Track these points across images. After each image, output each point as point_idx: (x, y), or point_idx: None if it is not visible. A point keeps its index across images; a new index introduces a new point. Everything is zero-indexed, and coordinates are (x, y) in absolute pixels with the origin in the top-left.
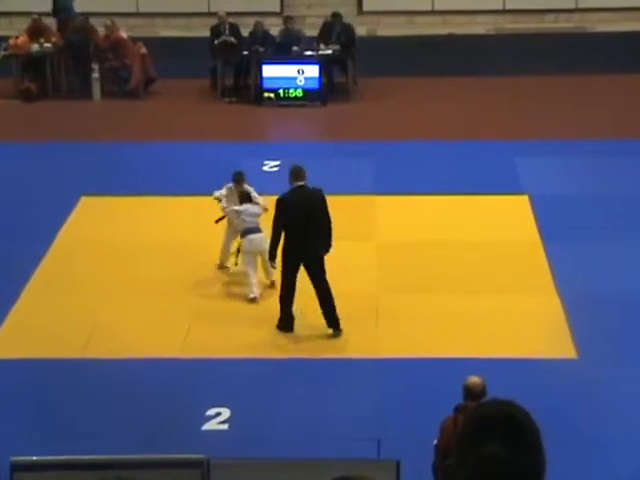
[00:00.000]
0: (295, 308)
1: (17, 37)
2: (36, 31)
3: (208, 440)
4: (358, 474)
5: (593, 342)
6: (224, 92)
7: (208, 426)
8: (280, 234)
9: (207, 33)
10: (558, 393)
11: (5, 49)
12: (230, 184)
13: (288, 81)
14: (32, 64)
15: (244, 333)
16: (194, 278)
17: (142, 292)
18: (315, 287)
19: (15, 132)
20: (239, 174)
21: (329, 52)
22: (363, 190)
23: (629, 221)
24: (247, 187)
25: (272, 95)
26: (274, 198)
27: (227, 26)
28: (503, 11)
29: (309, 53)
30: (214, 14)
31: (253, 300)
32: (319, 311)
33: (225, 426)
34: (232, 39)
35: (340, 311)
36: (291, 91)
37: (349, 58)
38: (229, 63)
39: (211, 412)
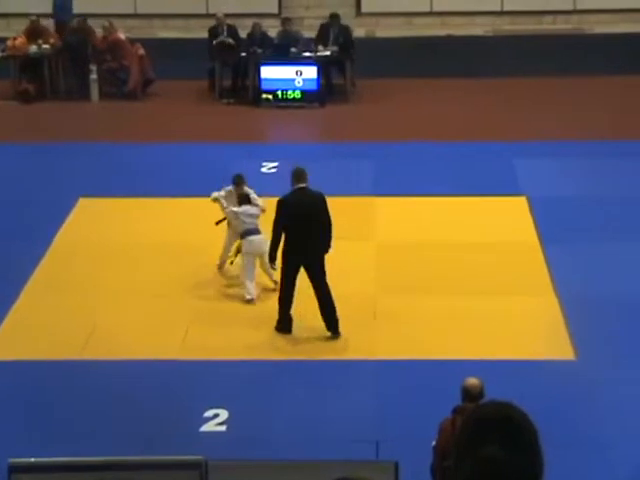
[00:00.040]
0: (294, 310)
1: (15, 38)
2: (34, 32)
3: (206, 441)
4: (357, 476)
5: (591, 343)
6: (222, 93)
7: (206, 428)
8: (280, 235)
9: (205, 34)
10: (556, 394)
11: (3, 50)
12: (230, 187)
13: (286, 82)
14: (30, 65)
15: (242, 334)
16: (192, 279)
17: (140, 293)
18: (315, 289)
19: (13, 133)
20: (239, 177)
21: (327, 53)
22: (362, 191)
23: (627, 223)
24: (247, 189)
25: (270, 96)
26: (272, 199)
27: (225, 27)
28: (501, 12)
29: (307, 54)
30: (212, 15)
31: (250, 302)
32: (318, 313)
33: (223, 427)
34: (230, 40)
35: (339, 312)
36: (289, 92)
37: (347, 59)
38: (227, 64)
39: (209, 414)
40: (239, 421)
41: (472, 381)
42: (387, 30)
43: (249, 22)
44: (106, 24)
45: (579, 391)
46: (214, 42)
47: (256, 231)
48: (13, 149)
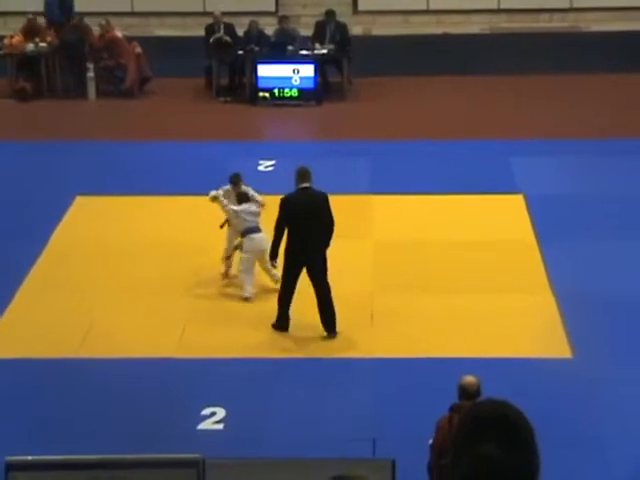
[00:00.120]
0: (292, 308)
1: (12, 37)
2: (31, 31)
3: (203, 440)
4: (353, 473)
5: (588, 342)
6: (219, 91)
7: (203, 426)
8: (282, 233)
9: (202, 32)
10: (553, 393)
11: (0, 49)
12: (227, 186)
13: (283, 81)
14: (27, 64)
15: (239, 333)
16: (189, 277)
17: (137, 292)
18: (315, 288)
19: (10, 132)
20: (236, 176)
21: (324, 51)
22: (359, 190)
23: (624, 221)
24: (245, 188)
25: (267, 95)
26: (269, 197)
27: (222, 25)
28: (498, 10)
29: (304, 53)
30: (209, 13)
31: (247, 299)
32: (316, 311)
33: (220, 426)
34: (227, 38)
35: (336, 311)
36: (286, 91)
37: (344, 58)
38: (224, 62)
39: (206, 412)
40: (236, 419)
41: (469, 379)
42: (384, 28)
43: (246, 20)
44: (103, 22)
45: (576, 390)
46: (211, 40)
47: (257, 229)
48: (10, 147)
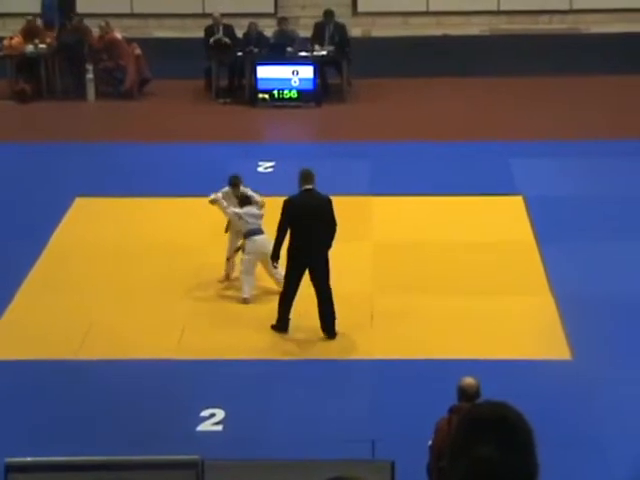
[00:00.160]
0: (293, 310)
1: (11, 38)
2: (30, 32)
3: (202, 441)
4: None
5: (587, 343)
6: (218, 93)
7: (202, 427)
8: (284, 234)
9: (201, 34)
10: (552, 394)
11: None
12: (226, 188)
13: (282, 82)
14: (26, 65)
15: (239, 334)
16: (189, 279)
17: (136, 293)
18: (316, 290)
19: (9, 133)
20: (236, 177)
21: (324, 53)
22: (358, 191)
23: (624, 222)
24: (244, 189)
25: (266, 96)
26: (268, 199)
27: (221, 27)
28: (497, 12)
29: (303, 54)
30: (208, 15)
31: (245, 300)
32: (316, 313)
33: (219, 427)
34: (226, 39)
35: (336, 312)
36: (285, 92)
37: (344, 59)
38: (223, 64)
39: (205, 413)
40: (235, 421)
41: (468, 381)
42: (383, 30)
43: (245, 22)
44: (102, 24)
45: (575, 391)
46: (210, 41)
47: (259, 231)
48: (9, 149)
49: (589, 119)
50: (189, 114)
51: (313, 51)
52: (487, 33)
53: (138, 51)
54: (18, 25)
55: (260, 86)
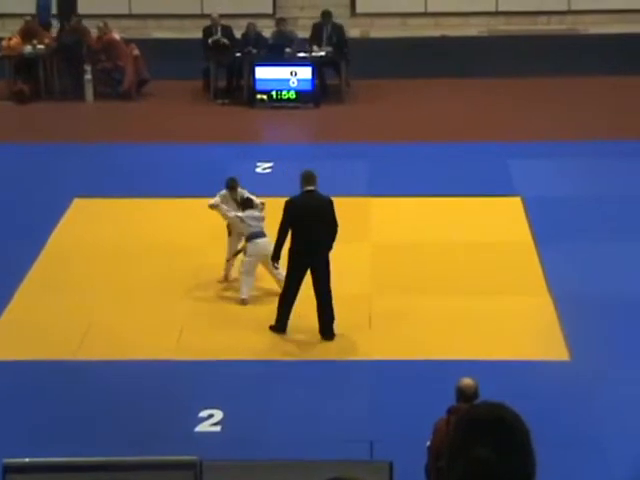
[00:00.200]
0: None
1: (10, 39)
2: (29, 33)
3: (201, 442)
4: (350, 476)
5: (586, 344)
6: (217, 94)
7: (201, 428)
8: (285, 235)
9: (200, 35)
10: (551, 395)
11: None
12: (224, 191)
13: (281, 83)
14: (25, 66)
15: (238, 335)
16: (187, 280)
17: (135, 294)
18: (316, 291)
19: (8, 134)
20: (233, 180)
21: (322, 54)
22: (357, 192)
23: (622, 223)
24: (241, 191)
25: (265, 97)
26: (267, 200)
27: (219, 28)
28: (496, 13)
29: (302, 55)
30: (207, 16)
31: (244, 301)
32: (310, 313)
33: (218, 428)
34: (224, 40)
35: (335, 313)
36: (284, 93)
37: (342, 60)
38: (222, 65)
39: (204, 414)
40: (234, 421)
41: (466, 381)
42: (382, 30)
43: (243, 22)
44: (101, 24)
45: (574, 391)
46: (209, 42)
47: (262, 234)
48: (8, 149)
49: (587, 120)
50: (187, 115)
51: (311, 52)
52: (485, 34)
53: (136, 52)
54: (17, 26)
55: (258, 87)
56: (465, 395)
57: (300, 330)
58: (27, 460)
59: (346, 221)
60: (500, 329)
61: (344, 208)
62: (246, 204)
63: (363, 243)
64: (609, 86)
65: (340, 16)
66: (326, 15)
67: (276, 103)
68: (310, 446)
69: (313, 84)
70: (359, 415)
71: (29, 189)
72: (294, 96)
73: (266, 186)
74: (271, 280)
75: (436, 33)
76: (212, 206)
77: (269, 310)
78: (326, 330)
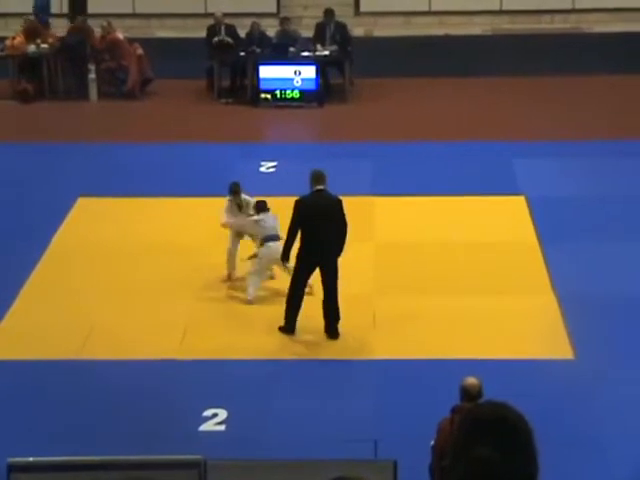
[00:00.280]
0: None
1: (13, 38)
2: (32, 32)
3: (205, 441)
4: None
5: (590, 343)
6: (220, 93)
7: (205, 427)
8: (295, 235)
9: (203, 34)
10: (555, 394)
11: (1, 50)
12: (227, 197)
13: (285, 82)
14: (29, 65)
15: (241, 335)
16: (191, 279)
17: (139, 293)
18: (324, 290)
19: (12, 133)
20: (236, 185)
21: (326, 53)
22: (360, 191)
23: (626, 223)
24: (245, 197)
25: (269, 96)
26: (271, 199)
27: (223, 27)
28: (500, 12)
29: (306, 54)
30: (210, 15)
31: (249, 301)
32: (318, 314)
33: (222, 427)
34: (228, 39)
35: (340, 313)
36: (288, 92)
37: (346, 59)
38: (225, 64)
39: (208, 413)
40: (238, 420)
41: (471, 381)
42: (385, 29)
43: (247, 21)
44: (104, 24)
45: (577, 390)
46: (214, 41)
47: (276, 237)
48: (12, 149)
49: (592, 119)
50: (191, 114)
51: (315, 51)
52: (489, 33)
53: (140, 51)
54: (20, 25)
55: (262, 86)
56: (469, 394)
57: (305, 330)
58: (31, 459)
59: (350, 220)
60: (504, 328)
61: (348, 207)
62: (261, 207)
63: (367, 242)
64: (614, 85)
65: (344, 15)
66: (329, 13)
67: (280, 102)
68: (314, 445)
69: (317, 83)
70: (363, 414)
71: (33, 188)
72: (298, 95)
73: (270, 185)
74: (277, 280)
75: (440, 32)
76: (225, 225)
77: (274, 310)
78: (331, 329)
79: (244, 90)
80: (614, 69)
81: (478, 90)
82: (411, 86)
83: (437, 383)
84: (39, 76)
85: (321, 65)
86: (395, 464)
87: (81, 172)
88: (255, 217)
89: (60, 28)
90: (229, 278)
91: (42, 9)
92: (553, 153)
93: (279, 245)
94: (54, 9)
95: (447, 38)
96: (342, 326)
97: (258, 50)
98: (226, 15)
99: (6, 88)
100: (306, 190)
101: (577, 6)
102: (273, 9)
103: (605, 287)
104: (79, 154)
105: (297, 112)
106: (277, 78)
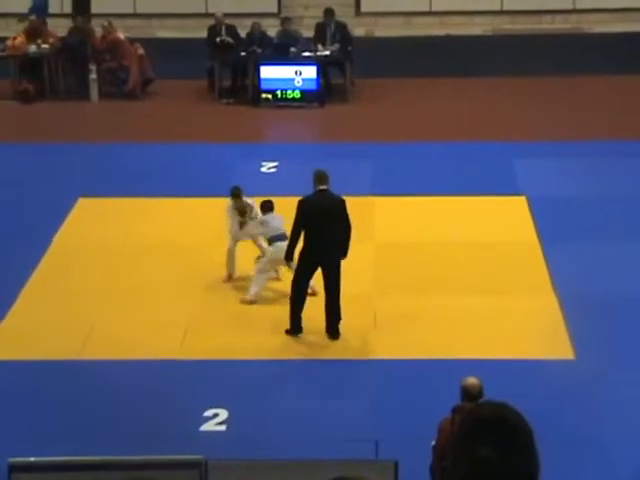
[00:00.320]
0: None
1: (14, 38)
2: (33, 32)
3: (206, 441)
4: (355, 475)
5: (590, 343)
6: (221, 93)
7: (206, 427)
8: (299, 235)
9: (204, 34)
10: (555, 394)
11: (2, 50)
12: (229, 201)
13: (286, 82)
14: (29, 65)
15: (242, 335)
16: (192, 279)
17: (139, 293)
18: (326, 290)
19: (13, 133)
20: (237, 188)
21: (327, 53)
22: (361, 191)
23: (627, 223)
24: (246, 200)
25: (270, 96)
26: (272, 199)
27: (224, 27)
28: (500, 12)
29: (307, 54)
30: (211, 15)
31: (251, 301)
32: (319, 314)
33: (223, 427)
34: (229, 39)
35: (341, 314)
36: (289, 92)
37: (347, 59)
38: (226, 64)
39: (209, 413)
40: (239, 421)
41: (471, 381)
42: (386, 30)
43: (248, 22)
44: (105, 24)
45: (578, 390)
46: (217, 40)
47: (284, 237)
48: (13, 149)
49: (593, 119)
50: (192, 114)
51: (316, 51)
52: (490, 33)
53: (141, 51)
54: (21, 25)
55: (263, 86)
56: (470, 394)
57: (306, 330)
58: (32, 459)
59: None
60: (505, 328)
61: (348, 207)
62: (267, 207)
63: (367, 242)
64: (614, 85)
65: (345, 15)
66: (329, 13)
67: (281, 102)
68: (315, 445)
69: (318, 83)
70: (364, 414)
71: (34, 189)
72: (299, 95)
73: (271, 185)
74: (278, 281)
75: (441, 32)
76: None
77: (274, 310)
78: (332, 329)
79: (245, 90)
80: (614, 69)
81: (479, 90)
82: (412, 86)
83: (438, 383)
84: (40, 76)
85: (322, 65)
86: (396, 464)
87: (82, 172)
88: (260, 217)
89: (61, 28)
90: (229, 279)
91: (39, 9)
92: (553, 153)
93: (285, 246)
94: (55, 9)
95: (448, 38)
96: (342, 326)
97: (259, 50)
98: (227, 15)
99: (7, 88)
100: (307, 190)
101: (578, 6)
102: (274, 9)
103: (605, 287)
104: (80, 154)
105: (298, 112)
106: (278, 78)
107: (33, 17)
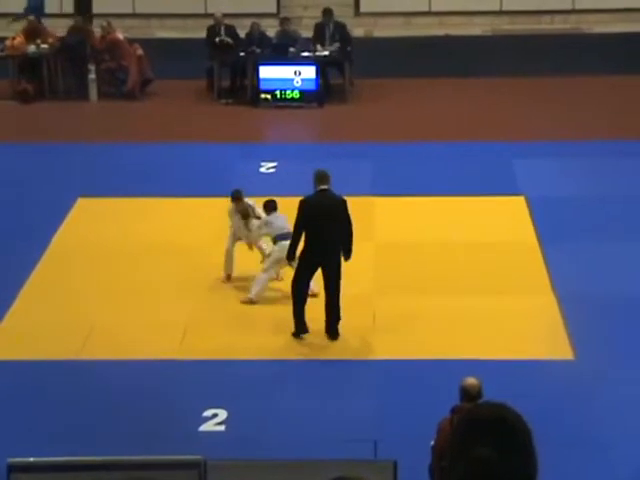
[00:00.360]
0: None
1: (14, 38)
2: (32, 32)
3: (205, 441)
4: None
5: (590, 343)
6: (220, 93)
7: (205, 427)
8: (300, 235)
9: (203, 34)
10: (555, 394)
11: (1, 50)
12: (230, 205)
13: (285, 82)
14: (29, 65)
15: (242, 335)
16: (191, 279)
17: (139, 293)
18: (326, 290)
19: (12, 133)
20: (238, 192)
21: (326, 53)
22: (360, 192)
23: (626, 223)
24: (247, 202)
25: (269, 96)
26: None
27: (223, 27)
28: (500, 12)
29: (306, 54)
30: (210, 15)
31: (252, 301)
32: (318, 315)
33: (222, 427)
34: (228, 40)
35: (341, 314)
36: (288, 92)
37: (346, 60)
38: (225, 64)
39: (208, 413)
40: (238, 421)
41: (470, 381)
42: (385, 30)
43: (247, 22)
44: (104, 24)
45: (578, 391)
46: (217, 41)
47: (289, 236)
48: (12, 149)
49: (592, 119)
50: (191, 114)
51: (315, 51)
52: (489, 33)
53: (140, 51)
54: (20, 25)
55: (262, 86)
56: (469, 395)
57: None
58: (31, 459)
59: None
60: (504, 328)
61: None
62: (270, 206)
63: (367, 242)
64: (614, 86)
65: (344, 15)
66: (327, 13)
67: (280, 103)
68: (314, 445)
69: (317, 84)
70: (363, 414)
71: (33, 189)
72: (298, 96)
73: (270, 186)
74: (278, 281)
75: (440, 32)
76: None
77: (275, 310)
78: (331, 329)
79: (244, 90)
80: (614, 69)
81: (478, 90)
82: (411, 86)
83: (437, 383)
84: (39, 76)
85: (321, 65)
86: (395, 464)
87: (81, 172)
88: (264, 218)
89: (60, 28)
90: (228, 279)
91: (35, 10)
92: (553, 153)
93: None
94: (55, 9)
95: (447, 38)
96: (342, 326)
97: (258, 50)
98: (226, 15)
99: (6, 88)
100: (306, 190)
101: (577, 6)
102: (273, 9)
103: (605, 287)
104: (79, 154)
105: (297, 112)
106: (277, 78)
107: (32, 17)
